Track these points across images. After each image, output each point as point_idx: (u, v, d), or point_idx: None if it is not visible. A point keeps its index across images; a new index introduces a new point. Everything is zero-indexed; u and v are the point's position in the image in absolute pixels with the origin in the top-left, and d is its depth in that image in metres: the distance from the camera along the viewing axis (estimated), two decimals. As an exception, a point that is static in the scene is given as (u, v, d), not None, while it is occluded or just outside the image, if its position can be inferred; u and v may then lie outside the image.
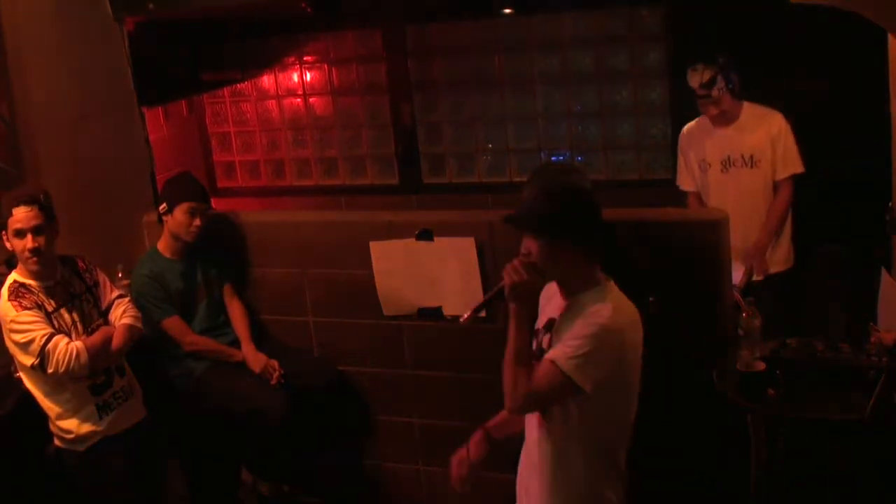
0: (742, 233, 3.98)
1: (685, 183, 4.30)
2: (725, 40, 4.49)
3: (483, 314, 2.62)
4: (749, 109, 4.08)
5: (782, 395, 2.95)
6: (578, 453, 2.46)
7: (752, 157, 4.05)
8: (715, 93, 3.95)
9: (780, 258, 4.15)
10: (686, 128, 4.28)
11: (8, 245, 3.22)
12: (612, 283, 2.45)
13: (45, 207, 3.19)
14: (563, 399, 2.40)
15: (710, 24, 4.62)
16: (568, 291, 2.45)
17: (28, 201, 3.17)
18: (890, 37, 3.20)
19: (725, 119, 4.07)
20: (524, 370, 2.39)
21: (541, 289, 2.52)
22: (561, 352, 2.35)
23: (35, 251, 3.17)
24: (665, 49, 4.96)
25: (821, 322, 4.05)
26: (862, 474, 3.10)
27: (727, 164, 4.10)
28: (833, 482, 3.24)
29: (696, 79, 3.96)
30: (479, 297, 3.75)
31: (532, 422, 2.58)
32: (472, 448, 2.84)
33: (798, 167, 4.03)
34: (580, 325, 2.35)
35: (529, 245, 2.39)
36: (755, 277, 3.95)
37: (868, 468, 2.96)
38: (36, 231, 3.17)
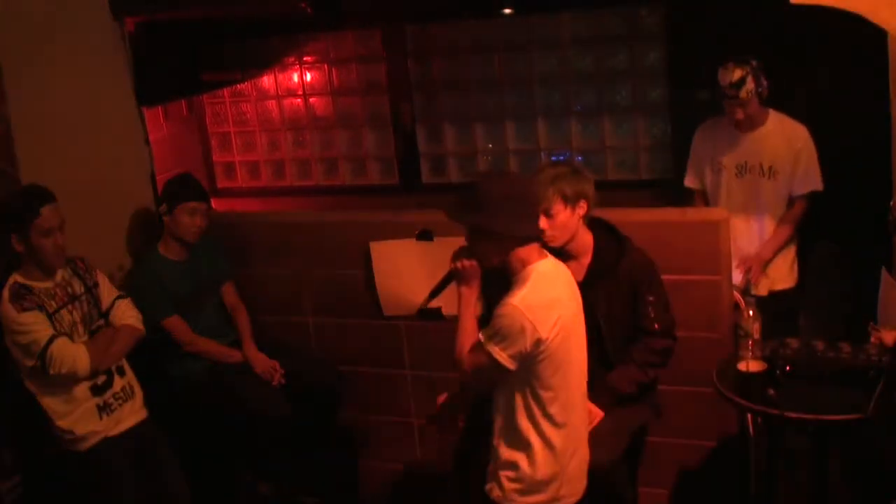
0: (748, 240, 3.95)
1: (690, 181, 4.19)
2: (725, 40, 4.49)
3: (425, 302, 2.99)
4: (775, 118, 3.94)
5: (782, 395, 2.95)
6: (522, 421, 2.74)
7: (771, 167, 3.92)
8: (743, 94, 3.78)
9: (785, 274, 4.04)
10: (704, 124, 4.14)
11: (19, 248, 3.21)
12: (543, 262, 2.70)
13: (55, 199, 3.24)
14: (499, 375, 2.70)
15: (710, 24, 4.61)
16: (508, 274, 2.73)
17: (52, 199, 3.22)
18: (890, 37, 3.20)
19: (749, 124, 3.93)
20: (466, 347, 2.75)
21: (479, 272, 2.77)
22: (484, 332, 2.69)
23: (63, 247, 3.24)
24: (665, 49, 4.95)
25: (821, 322, 4.05)
26: (862, 474, 3.10)
27: (743, 169, 3.98)
28: (833, 482, 3.24)
29: (725, 77, 3.80)
30: (479, 296, 3.75)
31: None
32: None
33: (817, 185, 3.91)
34: (499, 305, 2.66)
35: (466, 237, 2.74)
36: (754, 291, 3.86)
37: (867, 468, 2.96)
38: (61, 227, 3.23)
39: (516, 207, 2.66)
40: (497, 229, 2.65)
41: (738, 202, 3.97)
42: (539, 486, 2.78)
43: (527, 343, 2.62)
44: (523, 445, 2.76)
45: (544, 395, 2.70)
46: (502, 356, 2.64)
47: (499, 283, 2.77)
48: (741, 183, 3.98)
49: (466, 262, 2.74)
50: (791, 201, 3.95)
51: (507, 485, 2.80)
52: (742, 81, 3.76)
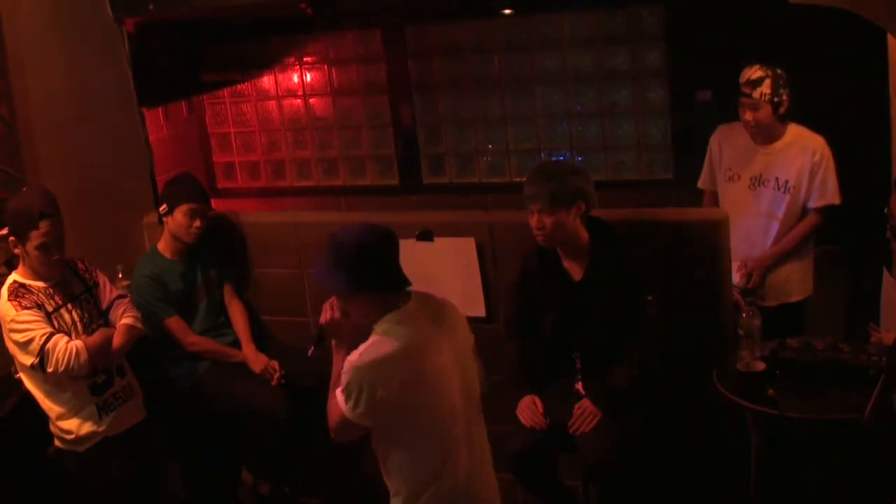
0: (760, 248, 3.89)
1: (705, 182, 4.07)
2: (725, 40, 4.49)
3: (312, 350, 2.88)
4: (794, 132, 3.78)
5: (782, 395, 2.95)
6: (383, 464, 2.70)
7: (787, 182, 3.77)
8: (756, 94, 3.65)
9: (798, 287, 3.93)
10: (722, 128, 4.00)
11: (17, 249, 3.22)
12: (396, 314, 2.59)
13: (60, 213, 3.22)
14: (357, 430, 2.62)
15: (710, 24, 4.62)
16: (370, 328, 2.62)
17: (53, 213, 3.19)
18: (890, 37, 3.20)
19: (766, 137, 3.80)
20: (334, 401, 2.62)
21: (348, 326, 2.70)
22: (340, 389, 2.58)
23: (58, 261, 3.23)
24: (665, 49, 4.95)
25: (821, 322, 4.05)
26: (862, 474, 3.10)
27: (757, 182, 3.84)
28: (833, 482, 3.24)
29: (745, 74, 3.69)
30: (479, 296, 3.76)
31: None
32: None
33: (835, 198, 3.76)
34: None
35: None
36: (762, 302, 3.73)
37: (868, 468, 2.96)
38: (59, 242, 3.22)
39: (367, 267, 2.58)
40: (341, 287, 2.61)
41: (749, 212, 3.87)
42: None
43: (372, 400, 2.51)
44: (394, 494, 2.71)
45: (409, 450, 2.63)
46: (353, 414, 2.54)
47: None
48: (754, 195, 3.87)
49: (335, 315, 2.70)
50: (805, 212, 3.84)
51: None
52: (759, 82, 3.65)
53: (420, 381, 2.57)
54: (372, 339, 2.57)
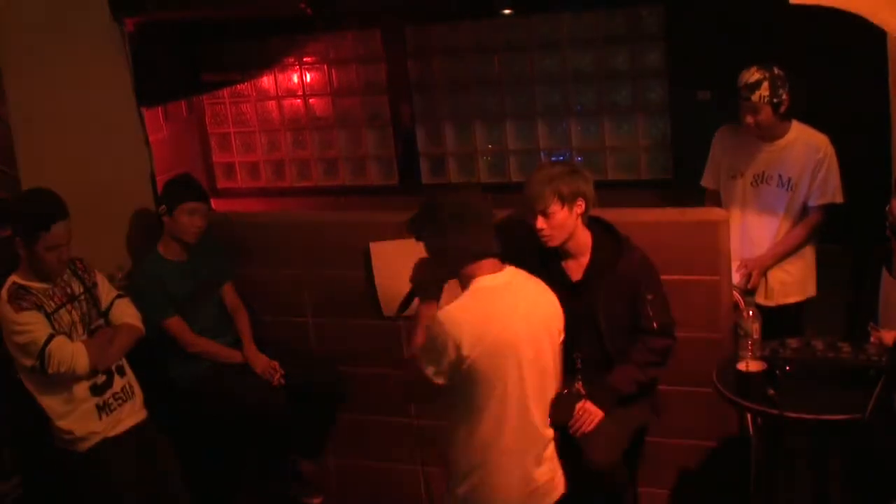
0: (758, 246, 3.89)
1: (708, 181, 4.07)
2: (725, 40, 4.49)
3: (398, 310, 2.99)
4: (797, 129, 3.81)
5: (782, 395, 2.95)
6: (446, 426, 2.71)
7: (790, 179, 3.79)
8: (755, 98, 3.66)
9: (799, 288, 3.95)
10: (725, 127, 4.01)
11: (21, 251, 3.22)
12: (486, 279, 2.65)
13: (69, 215, 3.22)
14: (429, 390, 2.63)
15: (710, 24, 4.62)
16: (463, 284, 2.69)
17: (65, 214, 3.20)
18: (890, 37, 3.20)
19: (769, 135, 3.81)
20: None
21: (437, 286, 2.78)
22: (420, 347, 2.65)
23: (65, 261, 3.25)
24: (665, 49, 4.95)
25: (821, 322, 4.05)
26: (862, 474, 3.10)
27: (760, 179, 3.85)
28: (833, 482, 3.24)
29: (743, 77, 3.68)
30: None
31: None
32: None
33: (837, 197, 3.78)
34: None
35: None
36: (762, 302, 3.78)
37: (868, 468, 2.96)
38: (68, 243, 3.22)
39: (468, 224, 2.65)
40: (448, 245, 2.66)
41: (751, 210, 3.89)
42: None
43: (450, 357, 2.54)
44: (449, 463, 2.75)
45: (470, 416, 2.63)
46: (429, 371, 2.58)
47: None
48: (756, 192, 3.88)
49: (424, 268, 2.78)
50: (807, 211, 3.85)
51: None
52: (757, 85, 3.66)
53: (498, 346, 2.59)
54: (463, 297, 2.63)
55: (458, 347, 2.53)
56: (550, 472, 2.79)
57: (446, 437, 2.73)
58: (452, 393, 2.62)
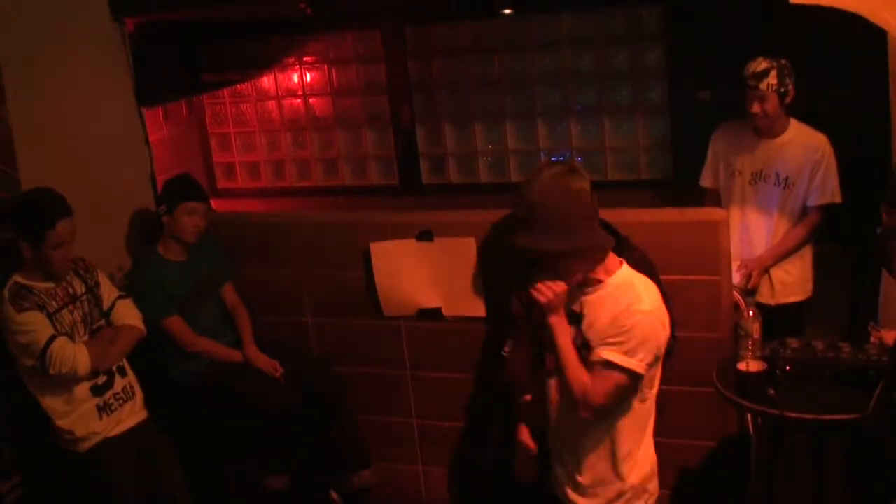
0: (757, 246, 3.89)
1: (706, 180, 4.09)
2: (725, 40, 4.49)
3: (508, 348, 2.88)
4: (796, 128, 3.83)
5: (782, 395, 2.95)
6: (632, 426, 2.65)
7: (787, 178, 3.81)
8: (763, 86, 3.66)
9: (799, 288, 3.96)
10: (725, 125, 4.04)
11: (26, 254, 3.21)
12: (626, 267, 2.60)
13: (73, 213, 3.22)
14: (631, 389, 2.56)
15: (710, 24, 4.61)
16: (586, 283, 2.57)
17: (70, 212, 3.20)
18: (890, 37, 3.20)
19: (769, 131, 3.83)
20: (585, 376, 2.52)
21: (565, 296, 2.57)
22: (611, 349, 2.49)
23: (70, 259, 3.26)
24: (665, 49, 4.95)
25: (821, 322, 4.05)
26: (862, 474, 3.10)
27: (758, 177, 3.88)
28: (833, 482, 3.24)
29: (750, 67, 3.69)
30: (479, 296, 3.76)
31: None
32: (529, 447, 3.02)
33: (835, 197, 3.79)
34: (622, 316, 2.48)
35: (550, 262, 2.53)
36: (762, 300, 3.80)
37: (868, 468, 2.96)
38: (72, 241, 3.23)
39: (590, 219, 2.53)
40: (585, 246, 2.50)
41: (750, 208, 3.90)
42: (641, 491, 2.72)
43: (661, 346, 2.54)
44: (624, 454, 2.66)
45: (648, 393, 2.63)
46: (640, 366, 2.49)
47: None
48: (755, 190, 3.89)
49: (556, 288, 2.52)
50: (806, 211, 3.86)
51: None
52: (765, 73, 3.67)
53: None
54: (639, 287, 2.54)
55: (666, 332, 2.54)
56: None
57: (611, 430, 2.64)
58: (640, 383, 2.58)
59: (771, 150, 3.85)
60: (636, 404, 2.63)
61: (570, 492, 2.73)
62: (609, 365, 2.49)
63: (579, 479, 2.70)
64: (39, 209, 3.20)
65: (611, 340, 2.50)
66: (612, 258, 2.59)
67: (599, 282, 2.56)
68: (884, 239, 2.28)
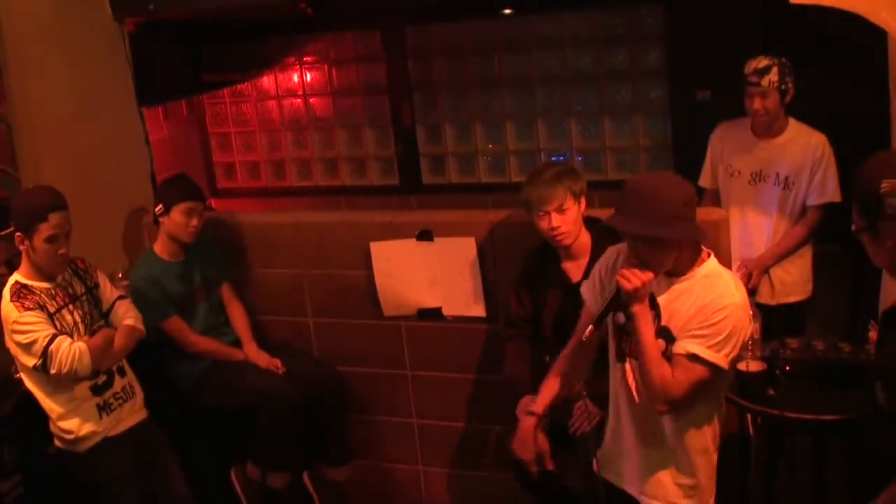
0: (757, 246, 3.88)
1: (705, 180, 4.07)
2: (725, 40, 4.49)
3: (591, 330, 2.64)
4: (795, 127, 3.81)
5: (782, 395, 2.95)
6: (708, 426, 2.58)
7: (787, 178, 3.79)
8: (764, 83, 3.65)
9: (798, 288, 3.94)
10: (723, 125, 4.02)
11: (22, 246, 3.21)
12: (713, 257, 2.54)
13: (68, 208, 3.22)
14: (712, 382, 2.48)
15: (710, 24, 4.62)
16: (674, 272, 2.51)
17: (63, 206, 3.19)
18: (890, 37, 3.20)
19: (768, 131, 3.83)
20: (666, 369, 2.45)
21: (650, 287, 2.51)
22: (696, 342, 2.42)
23: (65, 256, 3.22)
24: (665, 49, 4.96)
25: (821, 322, 4.05)
26: (862, 474, 3.10)
27: (757, 177, 3.86)
28: (833, 482, 3.24)
29: (751, 64, 3.69)
30: (479, 296, 3.76)
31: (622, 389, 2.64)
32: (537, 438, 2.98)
33: (835, 196, 3.76)
34: (710, 308, 2.42)
35: (640, 249, 2.45)
36: (761, 301, 3.79)
37: (867, 468, 2.96)
38: (67, 236, 3.21)
39: (686, 208, 2.46)
40: (679, 235, 2.44)
41: (750, 208, 3.89)
42: (708, 493, 2.64)
43: (746, 339, 2.51)
44: (701, 451, 2.59)
45: (721, 390, 2.61)
46: (725, 361, 2.44)
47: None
48: (754, 190, 3.88)
49: (643, 276, 2.43)
50: (805, 210, 3.85)
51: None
52: (766, 70, 3.67)
53: None
54: (727, 278, 2.49)
55: (751, 326, 2.54)
56: None
57: (691, 428, 2.57)
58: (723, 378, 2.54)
59: (770, 151, 3.85)
60: (713, 403, 2.58)
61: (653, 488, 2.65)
62: (694, 358, 2.42)
63: (685, 480, 2.62)
64: (32, 202, 3.20)
65: (697, 333, 2.43)
66: (702, 250, 2.53)
67: (686, 272, 2.50)
68: (857, 236, 2.27)
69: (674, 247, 2.45)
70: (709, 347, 2.41)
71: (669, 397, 2.46)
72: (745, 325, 2.46)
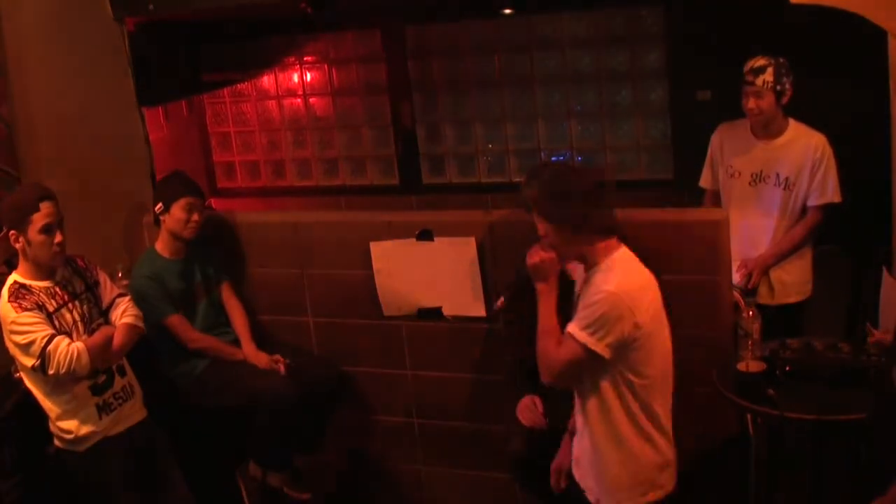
0: (757, 246, 3.89)
1: (705, 181, 4.08)
2: (725, 40, 4.49)
3: (501, 302, 3.00)
4: (794, 128, 3.81)
5: (782, 395, 2.95)
6: (617, 414, 2.68)
7: (787, 178, 3.79)
8: (759, 82, 3.66)
9: (798, 288, 3.95)
10: (723, 126, 4.02)
11: (17, 244, 3.21)
12: (623, 251, 2.68)
13: (57, 198, 3.22)
14: (591, 368, 2.63)
15: (710, 24, 4.62)
16: (586, 266, 2.71)
17: (51, 196, 3.20)
18: (890, 37, 3.20)
19: (766, 132, 3.83)
20: (552, 344, 2.65)
21: (559, 267, 2.72)
22: (575, 324, 2.61)
23: (62, 245, 3.21)
24: (665, 49, 4.95)
25: (821, 322, 4.05)
26: (862, 474, 3.10)
27: (758, 178, 3.86)
28: (833, 482, 3.24)
29: (749, 64, 3.69)
30: (479, 296, 3.76)
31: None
32: (564, 457, 3.02)
33: (835, 196, 3.77)
34: (589, 294, 2.61)
35: (543, 228, 2.67)
36: (762, 301, 3.77)
37: (868, 468, 2.96)
38: (60, 225, 3.21)
39: (599, 199, 2.65)
40: (586, 221, 2.62)
41: (750, 209, 3.89)
42: (648, 480, 2.74)
43: (625, 329, 2.56)
44: (618, 441, 2.70)
45: (638, 383, 2.64)
46: (599, 346, 2.56)
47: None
48: (755, 191, 3.88)
49: (545, 255, 2.68)
50: (805, 211, 3.85)
51: (607, 485, 2.75)
52: (762, 69, 3.67)
53: (658, 316, 2.67)
54: (618, 269, 2.63)
55: (634, 318, 2.56)
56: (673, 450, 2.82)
57: (597, 415, 2.70)
58: (614, 368, 2.62)
59: (770, 151, 3.85)
60: (625, 392, 2.65)
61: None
62: (570, 337, 2.61)
63: (601, 469, 2.77)
64: (21, 197, 3.21)
65: (578, 315, 2.62)
66: (612, 244, 2.67)
67: (599, 262, 2.66)
68: None
69: (580, 234, 2.63)
70: (583, 329, 2.58)
71: (550, 370, 2.67)
72: (620, 314, 2.55)
